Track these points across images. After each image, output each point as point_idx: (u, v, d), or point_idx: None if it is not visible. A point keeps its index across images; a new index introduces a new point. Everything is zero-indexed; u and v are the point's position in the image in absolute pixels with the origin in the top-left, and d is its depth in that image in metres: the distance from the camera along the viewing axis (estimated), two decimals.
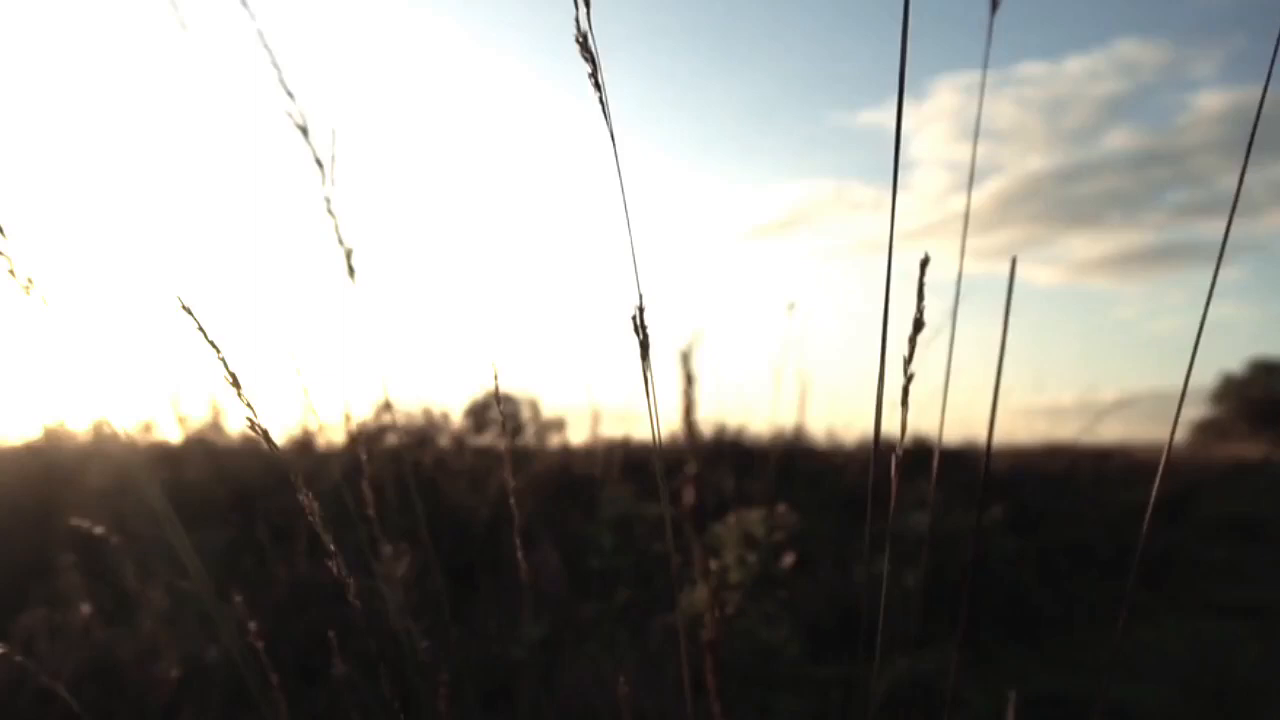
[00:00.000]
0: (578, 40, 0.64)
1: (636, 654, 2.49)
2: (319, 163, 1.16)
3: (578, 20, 0.64)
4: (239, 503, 3.42)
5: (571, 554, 2.98)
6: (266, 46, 1.14)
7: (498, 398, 1.26)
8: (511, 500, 1.31)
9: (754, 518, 2.66)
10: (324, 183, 1.16)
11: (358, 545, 2.02)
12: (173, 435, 3.81)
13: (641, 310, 0.89)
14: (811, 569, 3.29)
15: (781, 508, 2.78)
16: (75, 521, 1.59)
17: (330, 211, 1.16)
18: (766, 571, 2.68)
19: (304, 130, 1.16)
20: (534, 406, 5.38)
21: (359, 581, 1.29)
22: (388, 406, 4.96)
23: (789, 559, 2.71)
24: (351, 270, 1.19)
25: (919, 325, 0.84)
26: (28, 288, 0.94)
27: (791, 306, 2.58)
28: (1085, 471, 7.04)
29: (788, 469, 4.86)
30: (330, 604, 2.14)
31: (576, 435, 6.91)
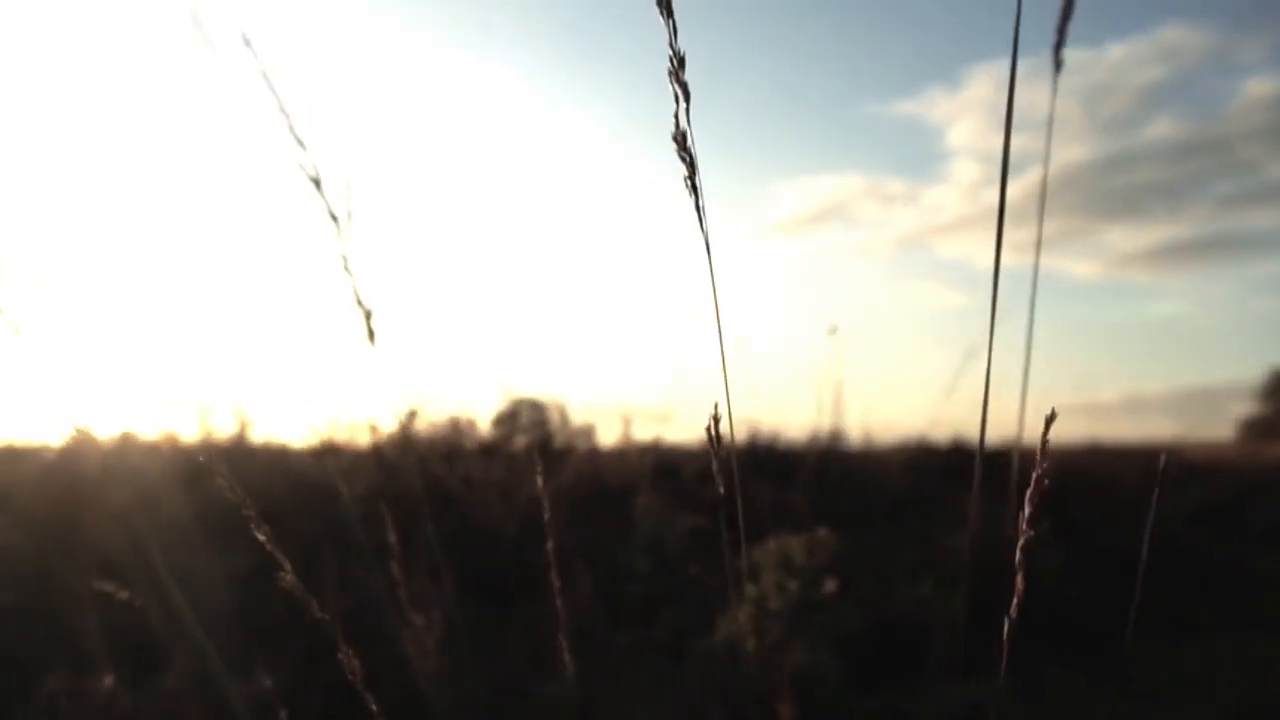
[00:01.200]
0: (675, 139, 0.56)
1: (674, 686, 2.43)
2: (334, 217, 1.10)
3: (676, 117, 0.57)
4: (265, 520, 3.37)
5: (605, 576, 2.93)
6: (274, 91, 1.07)
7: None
8: (545, 516, 1.26)
9: (795, 544, 2.59)
10: (340, 238, 1.10)
11: (388, 573, 1.96)
12: (197, 446, 3.79)
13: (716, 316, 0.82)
14: (852, 584, 3.21)
15: (822, 532, 2.70)
16: (99, 585, 1.55)
17: (347, 269, 1.10)
18: (807, 597, 2.61)
19: (317, 182, 1.09)
20: (562, 411, 5.34)
21: (389, 621, 1.21)
22: (413, 415, 4.92)
23: (830, 585, 2.64)
24: (371, 333, 1.12)
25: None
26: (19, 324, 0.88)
27: (834, 330, 2.49)
28: (1130, 475, 6.88)
29: (825, 476, 4.77)
30: (360, 643, 2.08)
31: (606, 433, 6.89)
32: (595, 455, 5.12)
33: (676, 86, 0.56)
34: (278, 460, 3.71)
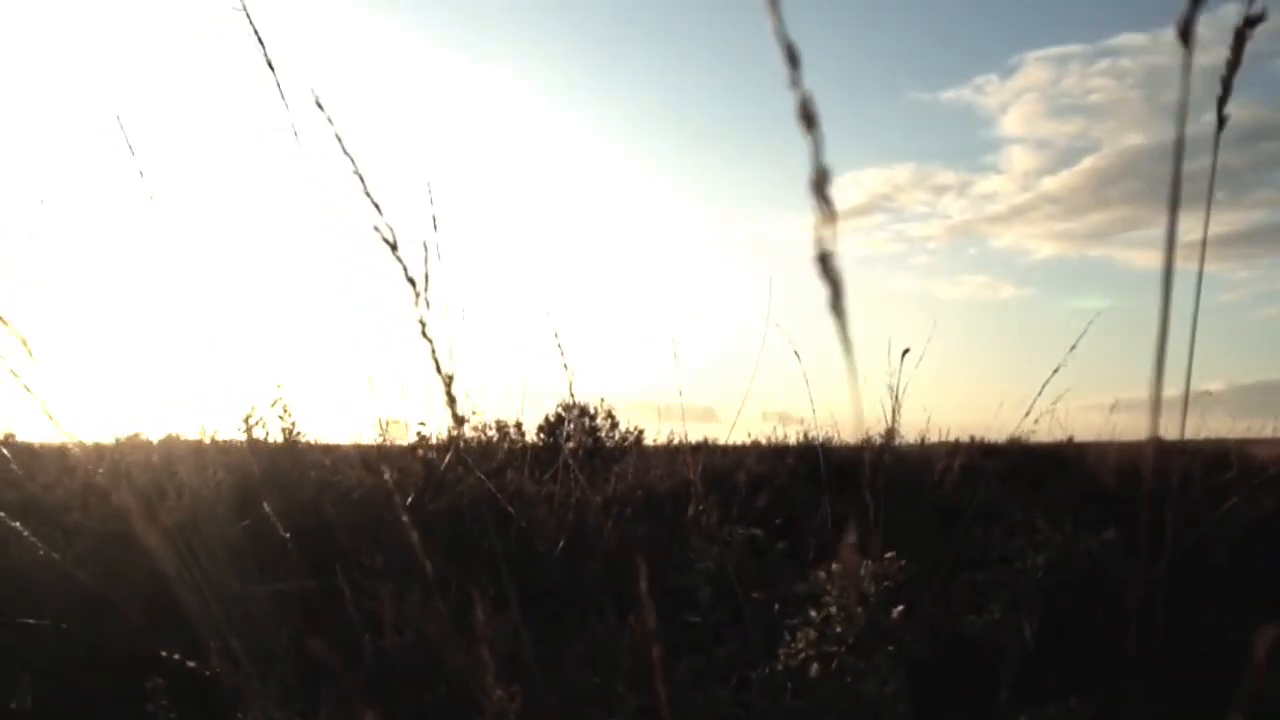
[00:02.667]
0: (817, 260, 0.52)
1: (739, 717, 2.39)
2: (410, 281, 1.06)
3: (818, 232, 0.52)
4: (315, 540, 3.37)
5: (659, 595, 2.89)
6: (348, 153, 1.04)
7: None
8: (599, 533, 1.23)
9: (862, 568, 2.54)
10: (417, 303, 1.06)
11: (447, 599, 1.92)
12: (247, 458, 3.80)
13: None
14: (913, 601, 3.15)
15: (890, 554, 2.65)
16: (166, 653, 1.53)
17: (426, 335, 1.06)
18: (874, 623, 2.56)
19: (393, 245, 1.06)
20: (610, 415, 5.30)
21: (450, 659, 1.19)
22: (461, 422, 4.91)
23: (898, 610, 2.59)
24: (452, 400, 1.09)
25: None
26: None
27: (905, 353, 2.43)
28: (1199, 476, 6.71)
29: (881, 481, 4.69)
30: (420, 684, 2.07)
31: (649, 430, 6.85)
32: (644, 461, 5.09)
33: (820, 201, 0.51)
34: (327, 475, 3.71)
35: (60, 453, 4.83)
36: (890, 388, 4.65)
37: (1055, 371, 2.68)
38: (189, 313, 3.29)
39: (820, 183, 0.52)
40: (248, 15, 1.70)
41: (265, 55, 1.79)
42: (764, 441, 6.84)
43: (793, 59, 0.51)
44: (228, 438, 4.67)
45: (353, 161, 1.04)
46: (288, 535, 3.41)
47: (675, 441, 6.05)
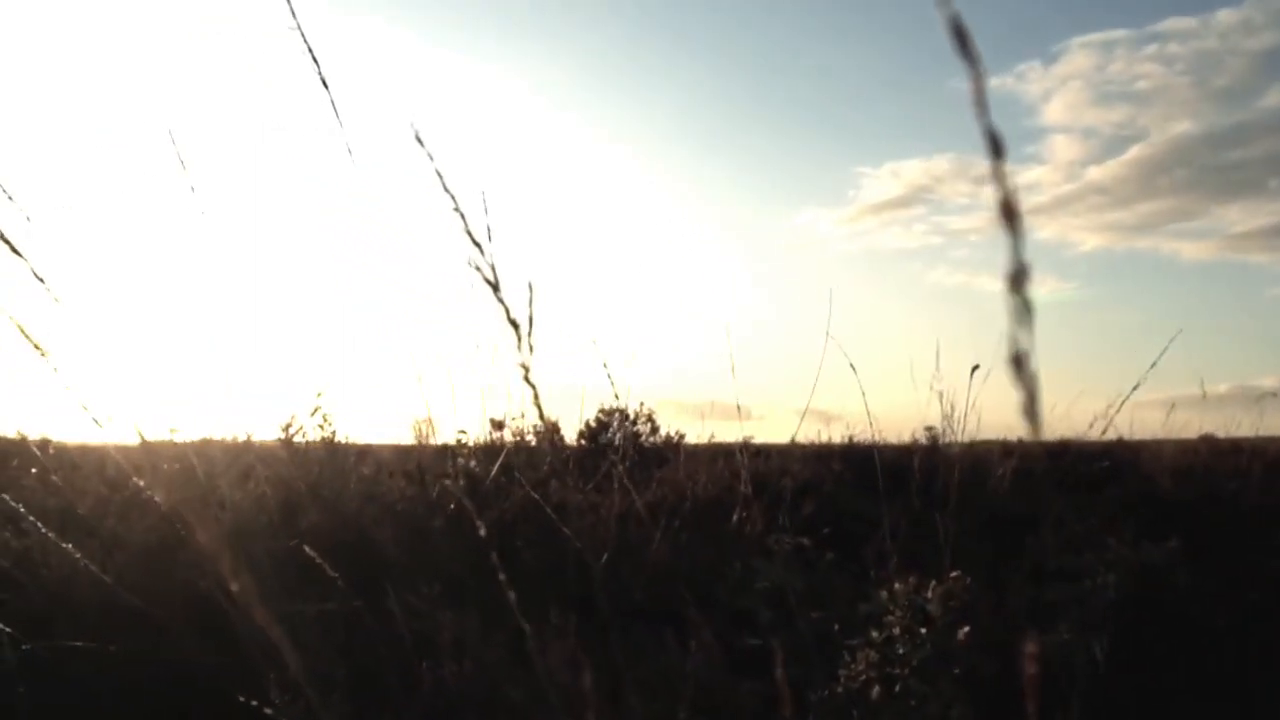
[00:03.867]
0: (1011, 360, 0.48)
1: None
2: (514, 324, 1.03)
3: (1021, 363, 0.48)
4: (359, 555, 3.36)
5: (709, 612, 2.86)
6: (448, 191, 1.01)
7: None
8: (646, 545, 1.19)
9: (930, 590, 2.49)
10: (520, 347, 1.03)
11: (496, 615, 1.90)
12: (288, 473, 3.79)
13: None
14: (975, 619, 3.09)
15: (954, 574, 2.60)
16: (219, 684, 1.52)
17: (529, 380, 1.03)
18: (938, 644, 2.51)
19: (494, 285, 1.02)
20: (651, 419, 5.27)
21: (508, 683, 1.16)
22: (499, 426, 4.89)
23: (964, 632, 2.53)
24: (557, 438, 1.05)
25: None
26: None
27: (975, 370, 2.37)
28: (1256, 479, 6.57)
29: (930, 488, 4.63)
30: (481, 715, 2.04)
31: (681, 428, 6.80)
32: (687, 465, 5.05)
33: (1017, 300, 0.47)
34: (370, 487, 3.69)
35: (99, 458, 4.84)
36: (941, 393, 4.60)
37: (1136, 387, 2.60)
38: (230, 318, 3.28)
39: (1019, 279, 0.48)
40: (302, 34, 1.67)
41: (320, 74, 1.76)
42: (802, 441, 6.78)
43: (996, 149, 0.46)
44: (263, 438, 4.68)
45: (453, 199, 1.01)
46: (331, 550, 3.39)
47: (713, 441, 6.01)
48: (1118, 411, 2.80)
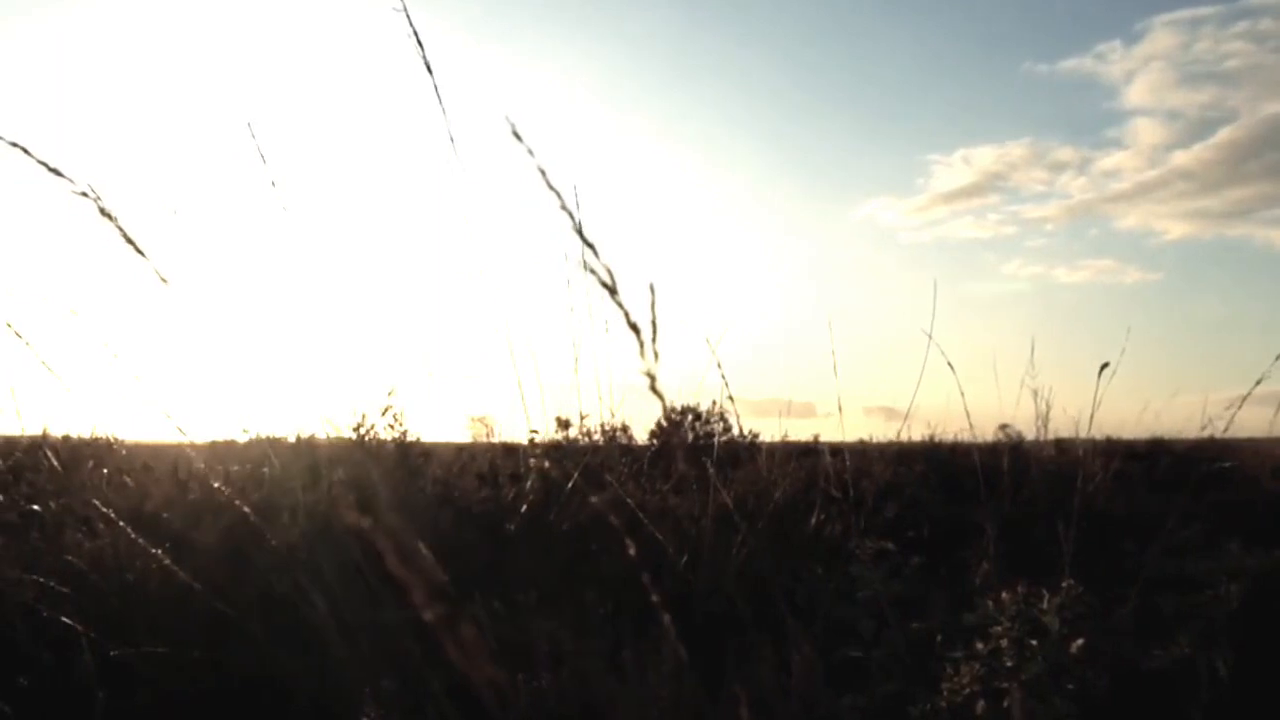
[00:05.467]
0: None
1: None
2: (634, 328, 0.96)
3: None
4: (436, 561, 3.31)
5: (803, 614, 2.78)
6: (553, 188, 0.94)
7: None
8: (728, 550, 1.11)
9: (1041, 601, 2.38)
10: (643, 354, 0.95)
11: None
12: (361, 474, 3.77)
13: None
14: (1084, 630, 2.97)
15: (1067, 582, 2.49)
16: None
17: (655, 390, 0.96)
18: (1050, 657, 2.40)
19: (612, 289, 0.95)
20: (723, 418, 5.19)
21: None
22: (565, 425, 4.85)
23: (1078, 645, 2.42)
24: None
25: None
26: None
27: (1104, 368, 2.26)
28: None
29: (1019, 487, 4.49)
30: None
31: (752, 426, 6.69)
32: (761, 466, 4.96)
33: None
34: (444, 489, 3.66)
35: (170, 458, 4.88)
36: (1035, 391, 4.46)
37: (1259, 382, 2.47)
38: (305, 316, 3.27)
39: None
40: (407, 15, 1.62)
41: (424, 57, 1.70)
42: (880, 440, 6.65)
43: None
44: (333, 435, 4.68)
45: (559, 196, 0.94)
46: (409, 555, 3.35)
47: (786, 440, 5.91)
48: (1238, 411, 2.65)
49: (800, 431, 6.56)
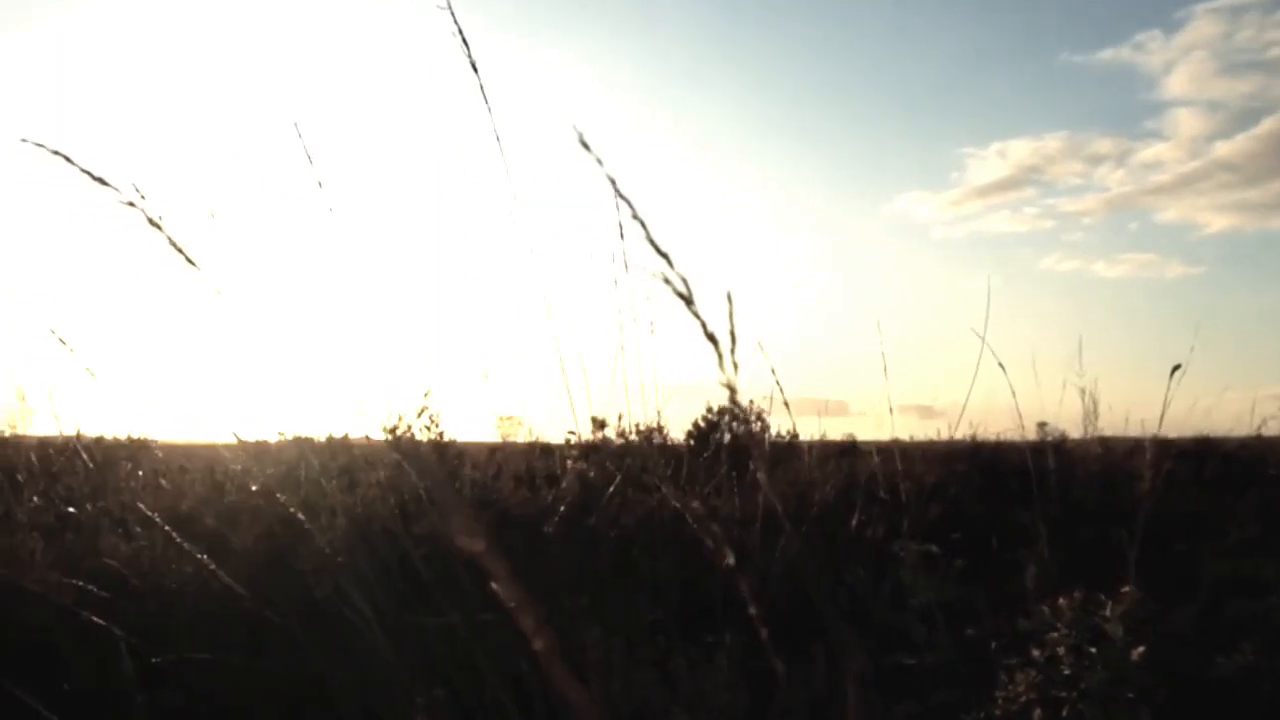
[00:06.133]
0: None
1: None
2: (711, 339, 0.92)
3: None
4: (478, 565, 3.30)
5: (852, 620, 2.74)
6: (623, 196, 0.92)
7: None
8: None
9: (1104, 607, 2.33)
10: (721, 366, 0.92)
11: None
12: (398, 476, 3.76)
13: None
14: (1143, 633, 2.92)
15: (1128, 588, 2.44)
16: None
17: (735, 402, 0.93)
18: (1111, 665, 2.35)
19: (688, 300, 0.92)
20: (761, 418, 5.14)
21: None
22: (601, 425, 4.83)
23: (1139, 652, 2.37)
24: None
25: None
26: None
27: (1176, 369, 2.21)
28: None
29: (1066, 487, 4.42)
30: None
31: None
32: (801, 466, 4.92)
33: None
34: (483, 492, 3.65)
35: (206, 460, 4.90)
36: (1083, 389, 4.39)
37: None
38: (345, 315, 3.26)
39: None
40: (452, 14, 1.59)
41: (469, 56, 1.68)
42: (912, 439, 6.60)
43: None
44: (368, 436, 4.68)
45: (631, 205, 0.91)
46: (448, 558, 3.35)
47: (825, 439, 5.86)
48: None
49: (833, 430, 6.51)
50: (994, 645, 2.58)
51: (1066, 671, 2.43)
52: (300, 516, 3.70)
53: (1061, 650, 2.44)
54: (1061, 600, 2.49)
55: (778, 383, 2.24)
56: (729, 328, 0.91)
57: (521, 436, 7.23)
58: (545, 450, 5.78)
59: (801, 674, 2.28)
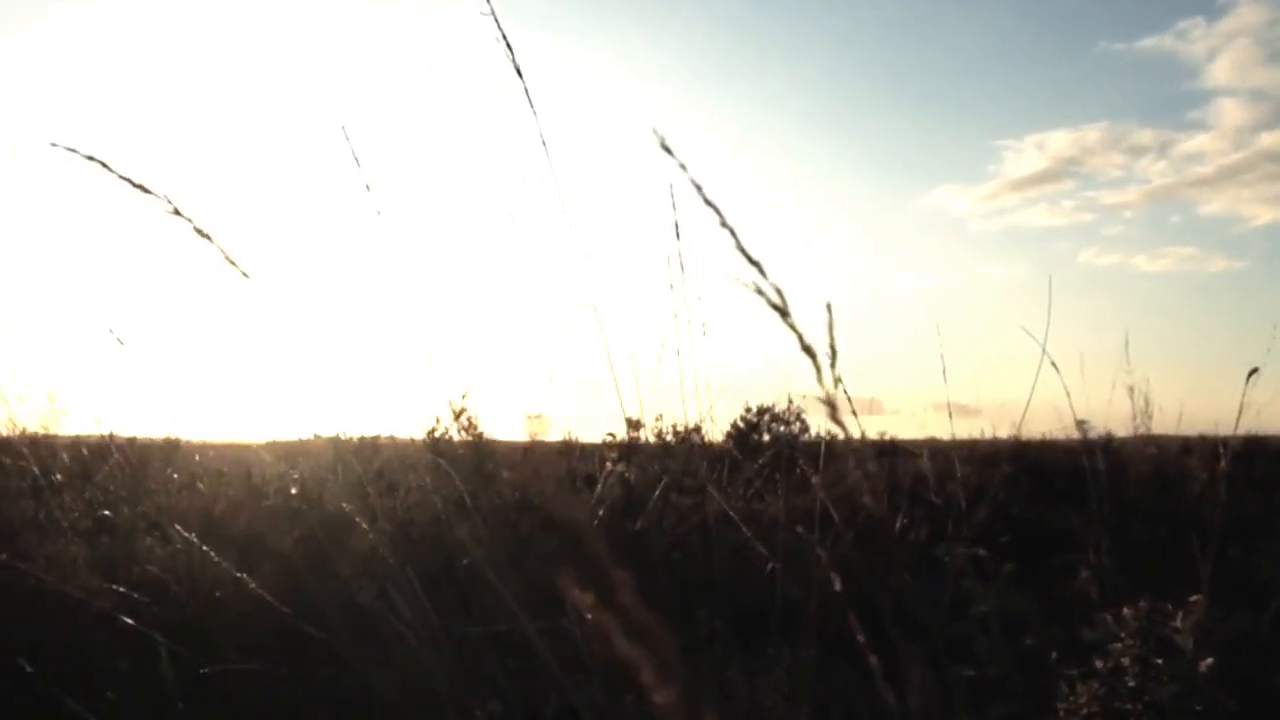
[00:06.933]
0: None
1: None
2: (808, 351, 0.89)
3: None
4: (516, 570, 3.29)
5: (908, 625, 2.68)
6: (710, 203, 0.89)
7: None
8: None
9: (1175, 619, 2.28)
10: (820, 379, 0.88)
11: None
12: (438, 481, 3.74)
13: None
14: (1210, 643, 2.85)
15: (1195, 598, 2.38)
16: None
17: (837, 419, 0.89)
18: (1183, 680, 2.30)
19: (783, 311, 0.89)
20: (800, 418, 5.08)
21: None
22: (636, 426, 4.79)
23: (1207, 664, 2.32)
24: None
25: None
26: None
27: (1254, 373, 2.15)
28: None
29: (1116, 489, 4.34)
30: None
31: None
32: (838, 466, 4.87)
33: None
34: (524, 495, 3.62)
35: (241, 461, 4.90)
36: (1131, 388, 4.31)
37: None
38: (389, 317, 3.26)
39: None
40: (495, 20, 1.57)
41: (513, 61, 1.65)
42: (954, 438, 6.49)
43: None
44: (405, 437, 4.67)
45: (719, 212, 0.88)
46: (490, 564, 3.33)
47: (864, 439, 5.78)
48: None
49: (869, 429, 6.45)
50: (1054, 655, 2.53)
51: (1131, 683, 2.38)
52: (340, 521, 3.69)
53: (1126, 661, 2.39)
54: (1126, 609, 2.44)
55: (848, 393, 2.19)
56: (828, 340, 0.87)
57: (552, 436, 7.22)
58: (580, 451, 5.75)
59: (859, 686, 2.24)
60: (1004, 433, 6.34)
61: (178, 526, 3.71)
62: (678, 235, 2.00)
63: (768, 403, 5.50)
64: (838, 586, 0.95)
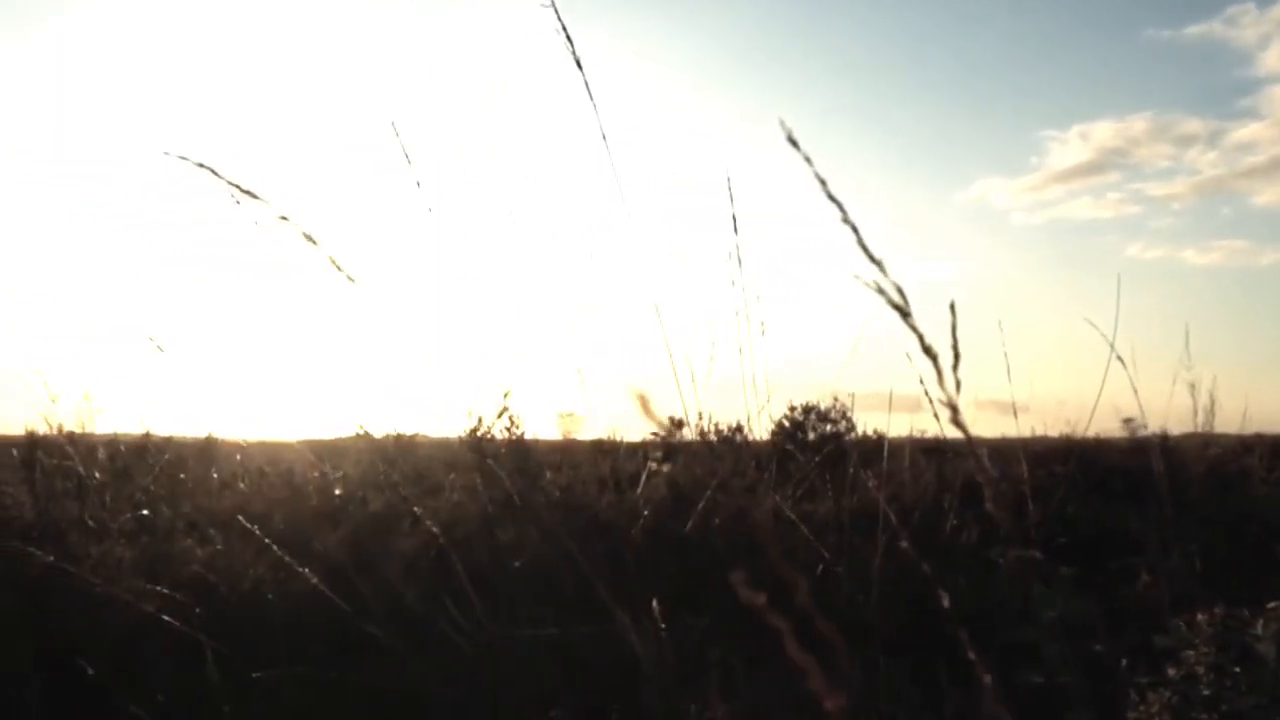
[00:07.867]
0: None
1: None
2: (929, 352, 0.86)
3: None
4: (562, 572, 3.27)
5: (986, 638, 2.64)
6: (834, 199, 0.86)
7: None
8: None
9: (1256, 625, 2.22)
10: (942, 382, 0.85)
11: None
12: (482, 483, 3.73)
13: None
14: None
15: (1274, 604, 2.32)
16: None
17: (958, 423, 0.86)
18: (1266, 689, 2.24)
19: (904, 312, 0.86)
20: (846, 416, 5.04)
21: None
22: (679, 425, 4.76)
23: None
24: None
25: None
26: None
27: None
28: None
29: (1177, 489, 4.25)
30: None
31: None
32: (903, 470, 4.82)
33: None
34: (567, 496, 3.61)
35: (281, 460, 4.91)
36: (1192, 385, 4.24)
37: None
38: (439, 315, 3.24)
39: None
40: (556, 11, 1.54)
41: (574, 53, 1.62)
42: (994, 436, 6.42)
43: None
44: (446, 435, 4.66)
45: (841, 209, 0.85)
46: (536, 567, 3.31)
47: (913, 436, 5.73)
48: None
49: (906, 426, 6.38)
50: (1123, 662, 2.48)
51: (1206, 692, 2.33)
52: (384, 521, 3.68)
53: (1200, 669, 2.34)
54: (1200, 615, 2.38)
55: (932, 395, 2.16)
56: (951, 342, 0.84)
57: (587, 434, 7.19)
58: (617, 449, 5.72)
59: (928, 693, 2.20)
60: (1055, 431, 6.26)
61: (216, 529, 3.72)
62: (735, 229, 1.97)
63: (812, 400, 5.48)
64: (946, 603, 0.91)
